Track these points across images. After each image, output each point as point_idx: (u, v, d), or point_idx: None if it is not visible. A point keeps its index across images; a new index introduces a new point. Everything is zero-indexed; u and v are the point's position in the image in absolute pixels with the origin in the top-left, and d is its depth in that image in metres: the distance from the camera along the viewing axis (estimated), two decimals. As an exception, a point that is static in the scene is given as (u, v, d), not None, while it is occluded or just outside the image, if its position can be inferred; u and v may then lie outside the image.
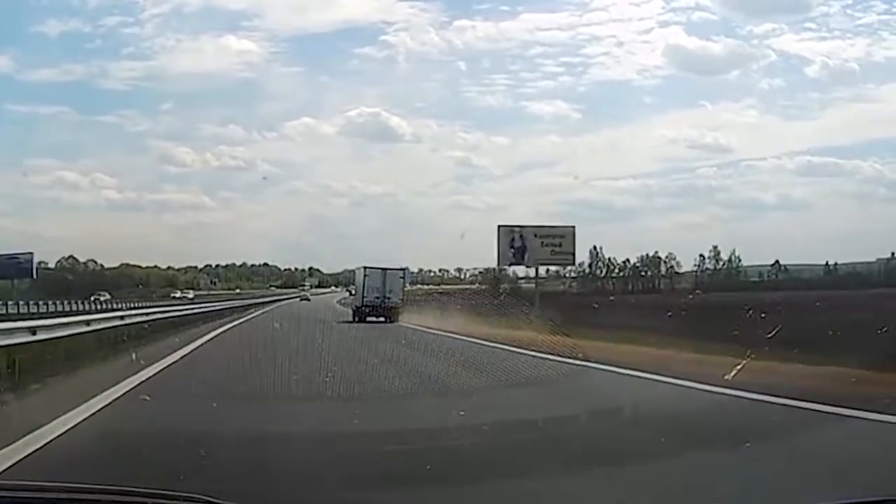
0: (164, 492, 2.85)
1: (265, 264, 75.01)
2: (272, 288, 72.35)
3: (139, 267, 64.67)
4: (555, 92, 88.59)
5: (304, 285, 71.84)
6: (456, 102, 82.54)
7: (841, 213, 75.66)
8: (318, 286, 72.45)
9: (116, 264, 63.62)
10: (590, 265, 68.30)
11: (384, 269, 36.50)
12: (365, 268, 37.31)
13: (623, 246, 73.65)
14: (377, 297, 35.51)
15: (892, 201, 71.35)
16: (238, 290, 65.17)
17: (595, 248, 68.09)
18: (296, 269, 76.07)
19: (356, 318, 35.85)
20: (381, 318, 34.44)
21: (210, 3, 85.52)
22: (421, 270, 65.59)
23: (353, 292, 40.69)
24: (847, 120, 70.40)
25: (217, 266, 71.83)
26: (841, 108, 73.73)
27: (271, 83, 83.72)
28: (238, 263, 73.79)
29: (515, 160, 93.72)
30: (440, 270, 70.66)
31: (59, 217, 72.20)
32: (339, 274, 72.26)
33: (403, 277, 37.33)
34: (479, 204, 79.05)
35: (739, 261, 65.54)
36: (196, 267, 68.70)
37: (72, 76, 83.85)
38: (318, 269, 75.63)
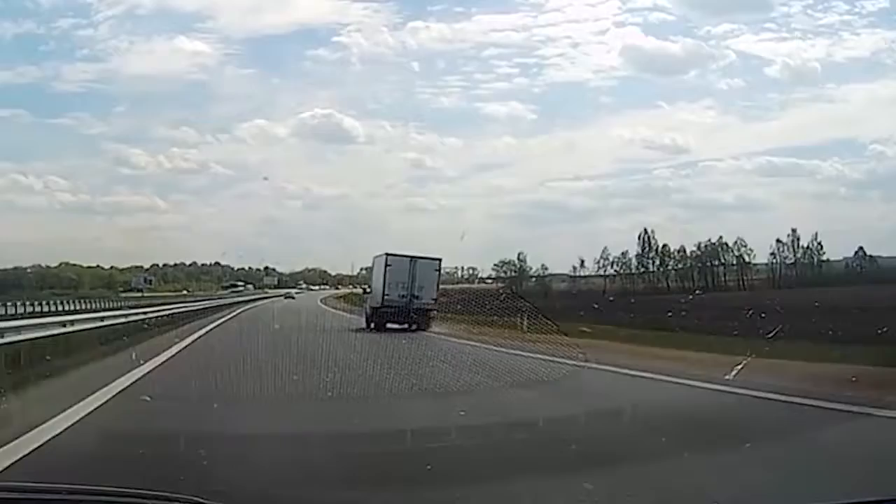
0: (153, 493, 3.05)
1: (217, 263, 68.78)
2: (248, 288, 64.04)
3: (81, 266, 59.31)
4: (509, 93, 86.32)
5: (237, 285, 63.37)
6: (410, 104, 76.28)
7: (801, 212, 75.66)
8: (277, 286, 66.13)
9: (56, 263, 59.52)
10: (639, 255, 56.54)
11: (413, 258, 26.73)
12: (387, 255, 27.17)
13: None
14: (403, 296, 25.91)
15: (853, 201, 66.84)
16: (185, 291, 56.46)
17: (646, 231, 56.10)
18: (250, 268, 70.20)
19: (371, 325, 26.18)
20: (407, 325, 24.98)
21: (163, 5, 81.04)
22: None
23: (369, 290, 30.20)
24: (807, 120, 67.30)
25: (165, 265, 66.68)
26: (801, 109, 69.98)
27: (224, 85, 79.20)
28: (188, 263, 68.56)
29: (469, 162, 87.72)
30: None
31: (13, 220, 66.89)
32: (298, 273, 69.41)
33: (438, 270, 27.38)
34: (432, 206, 74.62)
35: (821, 248, 54.10)
36: (141, 267, 62.67)
37: (26, 78, 75.74)
38: (274, 269, 70.12)
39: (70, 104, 74.15)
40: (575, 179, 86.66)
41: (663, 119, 78.99)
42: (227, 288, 61.53)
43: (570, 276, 57.39)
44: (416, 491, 5.87)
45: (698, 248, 55.96)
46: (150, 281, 57.82)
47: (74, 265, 59.20)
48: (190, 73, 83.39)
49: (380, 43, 79.97)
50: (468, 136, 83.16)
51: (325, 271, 71.25)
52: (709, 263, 54.81)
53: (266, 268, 69.59)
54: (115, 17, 77.40)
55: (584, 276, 56.65)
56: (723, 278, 54.65)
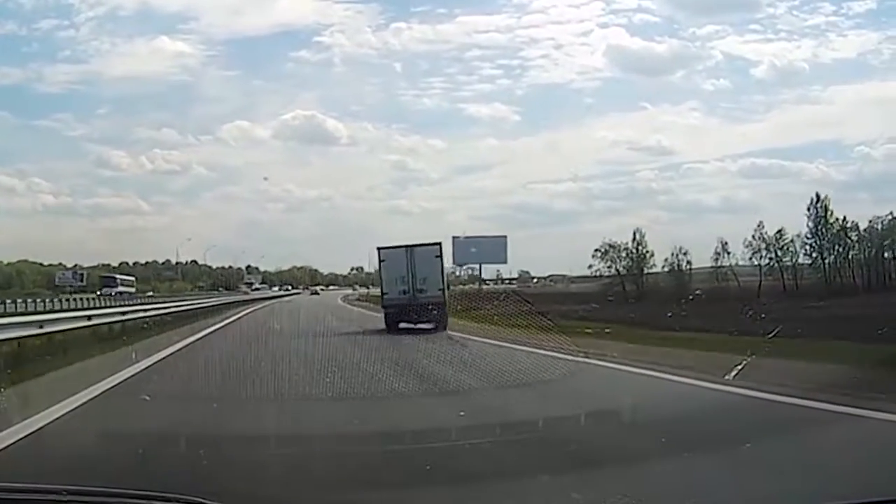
0: (153, 493, 3.08)
1: (194, 262, 65.38)
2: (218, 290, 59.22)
3: (40, 264, 56.96)
4: (493, 95, 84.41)
5: (114, 278, 55.64)
6: (392, 105, 77.26)
7: (787, 214, 77.04)
8: (270, 286, 64.94)
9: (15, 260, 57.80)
10: (810, 236, 47.91)
11: (408, 247, 24.21)
12: (379, 249, 25.06)
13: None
14: (404, 292, 23.57)
15: (838, 203, 56.54)
16: (151, 293, 51.46)
17: (818, 198, 47.36)
18: (230, 266, 67.54)
19: (388, 327, 23.92)
20: (424, 325, 22.58)
21: (145, 6, 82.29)
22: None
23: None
24: (793, 122, 67.57)
25: (136, 264, 63.61)
26: (786, 110, 71.05)
27: (206, 86, 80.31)
28: (161, 262, 65.42)
29: (452, 164, 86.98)
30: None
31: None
32: (286, 272, 68.95)
33: (440, 256, 24.72)
34: (415, 208, 74.21)
35: None
36: (109, 265, 60.13)
37: (8, 80, 74.80)
38: (257, 267, 68.26)
39: (52, 106, 74.77)
40: (558, 181, 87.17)
41: (648, 120, 76.90)
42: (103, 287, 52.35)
43: (714, 267, 48.88)
44: (415, 491, 5.77)
45: (868, 226, 47.48)
46: (83, 276, 53.66)
47: (33, 263, 57.00)
48: (172, 74, 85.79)
49: (362, 44, 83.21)
50: (451, 138, 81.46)
51: (315, 270, 71.17)
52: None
53: (248, 266, 67.43)
54: (97, 18, 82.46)
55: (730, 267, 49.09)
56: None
